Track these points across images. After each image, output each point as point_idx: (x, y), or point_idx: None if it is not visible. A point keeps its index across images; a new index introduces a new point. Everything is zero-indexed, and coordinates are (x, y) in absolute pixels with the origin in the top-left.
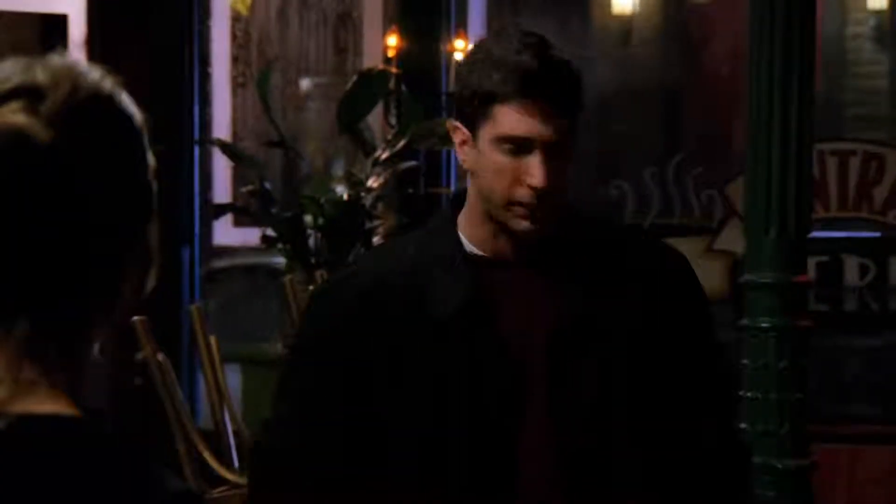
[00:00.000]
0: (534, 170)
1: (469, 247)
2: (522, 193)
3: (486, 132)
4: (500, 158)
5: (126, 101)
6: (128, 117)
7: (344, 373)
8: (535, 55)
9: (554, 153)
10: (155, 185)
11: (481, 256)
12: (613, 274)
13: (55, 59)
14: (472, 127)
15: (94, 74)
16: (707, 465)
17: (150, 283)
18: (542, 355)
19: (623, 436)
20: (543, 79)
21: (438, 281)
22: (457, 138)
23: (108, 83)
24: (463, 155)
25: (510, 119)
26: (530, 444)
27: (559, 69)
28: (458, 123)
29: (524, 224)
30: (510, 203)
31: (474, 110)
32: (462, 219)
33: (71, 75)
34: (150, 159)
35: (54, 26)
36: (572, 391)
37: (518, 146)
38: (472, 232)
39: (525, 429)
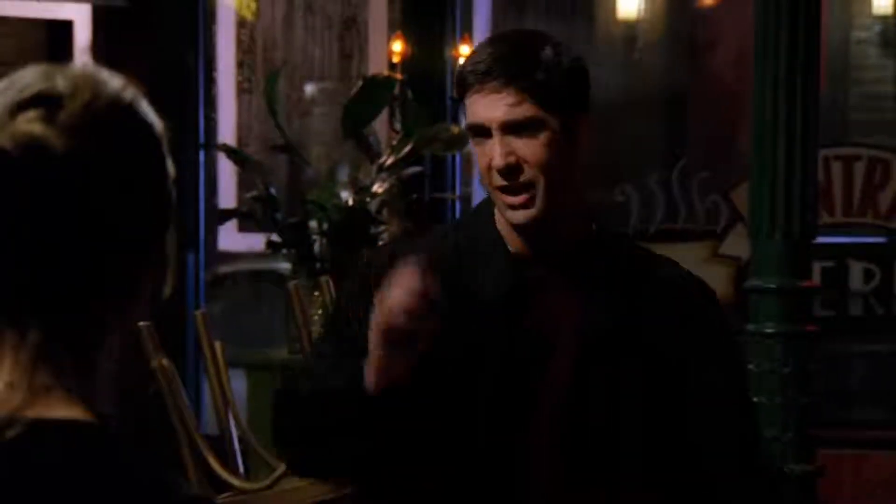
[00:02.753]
0: (492, 151)
1: (505, 242)
2: (494, 178)
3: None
4: (477, 151)
5: (146, 109)
6: (147, 126)
7: None
8: (495, 43)
9: (512, 134)
10: (174, 193)
11: (514, 253)
12: (640, 288)
13: (76, 67)
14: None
15: (115, 83)
16: (732, 483)
17: (167, 289)
18: (567, 359)
19: (634, 445)
20: (494, 62)
21: (478, 272)
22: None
23: (128, 92)
24: None
25: (472, 107)
26: (541, 441)
27: (515, 52)
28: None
29: (516, 214)
30: (495, 191)
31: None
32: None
33: (90, 83)
34: (170, 167)
35: (60, 32)
36: (588, 396)
37: (481, 134)
38: (502, 228)
39: (538, 426)
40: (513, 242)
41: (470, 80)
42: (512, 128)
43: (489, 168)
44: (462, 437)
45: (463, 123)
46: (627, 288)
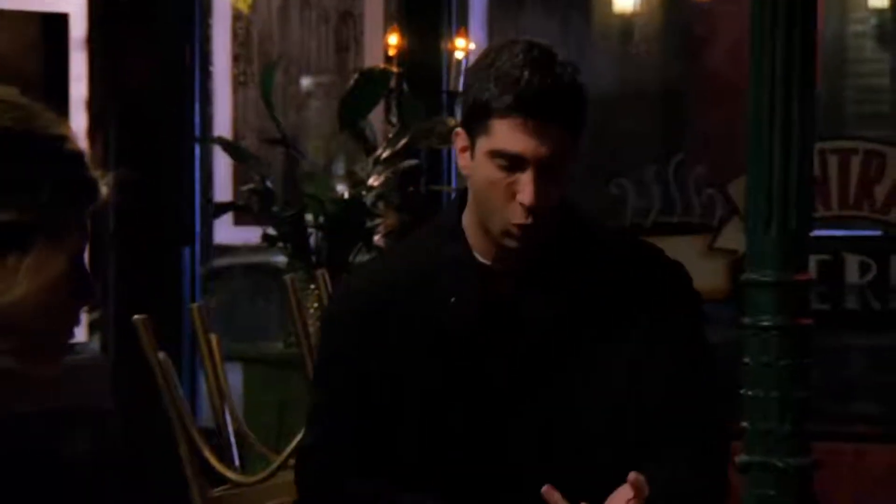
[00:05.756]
0: (525, 187)
1: (475, 252)
2: (513, 211)
3: (483, 144)
4: (493, 172)
5: None
6: None
7: (361, 374)
8: (536, 71)
9: (547, 172)
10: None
11: (485, 265)
12: (607, 286)
13: None
14: (472, 136)
15: None
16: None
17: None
18: (531, 362)
19: (603, 434)
20: (542, 97)
21: (449, 287)
22: (458, 144)
23: None
24: (462, 161)
25: (505, 134)
26: (519, 445)
27: (560, 88)
28: (460, 130)
29: (513, 243)
30: (504, 221)
31: (474, 120)
32: (465, 222)
33: None
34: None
35: (55, 25)
36: (556, 399)
37: (511, 162)
38: (474, 239)
39: (515, 432)
40: (485, 254)
41: (506, 107)
42: (549, 167)
43: (510, 200)
44: (448, 448)
45: (484, 144)
46: (588, 287)
